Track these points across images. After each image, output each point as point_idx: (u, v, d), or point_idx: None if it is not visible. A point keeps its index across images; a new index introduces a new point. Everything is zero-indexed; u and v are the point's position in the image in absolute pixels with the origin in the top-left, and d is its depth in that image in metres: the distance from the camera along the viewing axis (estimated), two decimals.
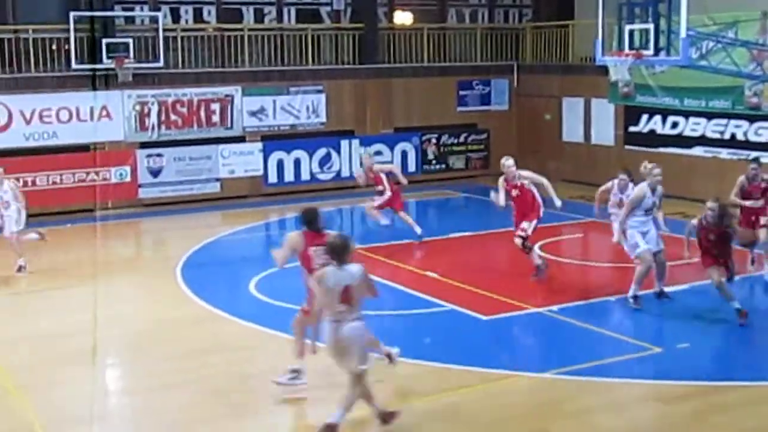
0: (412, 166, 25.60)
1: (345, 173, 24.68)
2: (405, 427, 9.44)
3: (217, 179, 23.41)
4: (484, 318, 12.97)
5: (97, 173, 22.02)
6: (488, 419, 9.55)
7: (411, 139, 25.64)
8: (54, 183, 21.69)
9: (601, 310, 13.37)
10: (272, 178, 23.99)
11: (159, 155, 22.79)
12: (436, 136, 25.97)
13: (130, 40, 21.99)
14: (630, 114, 23.55)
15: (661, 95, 22.06)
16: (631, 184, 14.72)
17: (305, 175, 24.32)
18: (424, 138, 25.80)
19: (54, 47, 22.28)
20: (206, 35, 24.37)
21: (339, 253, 8.78)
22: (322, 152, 24.51)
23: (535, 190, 14.51)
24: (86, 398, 10.49)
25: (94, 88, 22.07)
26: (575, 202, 21.67)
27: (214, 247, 18.29)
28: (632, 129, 23.60)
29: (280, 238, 19.80)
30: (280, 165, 24.10)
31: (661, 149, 22.74)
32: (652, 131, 23.10)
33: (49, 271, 16.42)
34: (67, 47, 21.79)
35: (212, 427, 9.50)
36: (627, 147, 23.70)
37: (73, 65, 21.60)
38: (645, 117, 23.18)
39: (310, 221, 9.96)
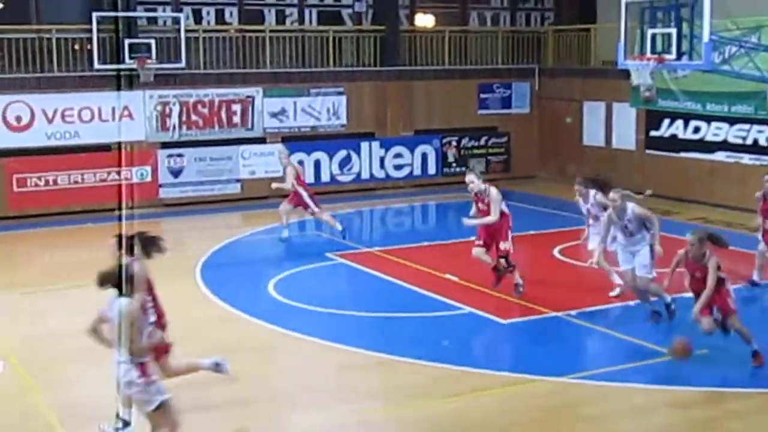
0: (432, 169, 25.60)
1: (365, 175, 24.71)
2: (420, 429, 9.45)
3: (238, 180, 23.48)
4: (503, 322, 12.95)
5: (118, 173, 22.12)
6: (506, 423, 9.54)
7: (431, 141, 25.63)
8: (75, 182, 21.81)
9: (620, 315, 13.33)
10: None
11: (180, 155, 22.88)
12: (456, 138, 25.94)
13: (153, 41, 22.08)
14: (651, 118, 23.47)
15: (683, 100, 21.97)
16: (592, 192, 13.89)
17: (325, 177, 24.34)
18: (444, 140, 25.78)
19: (76, 47, 22.43)
20: (228, 36, 24.45)
21: (112, 282, 8.44)
22: (342, 154, 24.54)
23: (503, 206, 13.73)
24: (106, 397, 10.52)
25: (117, 88, 22.17)
26: None
27: (233, 247, 18.34)
28: (653, 133, 23.52)
29: (299, 239, 19.94)
30: (301, 166, 24.04)
31: (683, 154, 22.67)
32: (674, 136, 23.01)
33: (70, 269, 16.50)
34: (89, 47, 21.90)
35: (231, 427, 9.52)
36: (648, 151, 23.63)
37: (96, 65, 21.70)
38: (667, 121, 23.09)
39: (152, 247, 9.67)
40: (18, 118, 21.30)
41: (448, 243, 18.13)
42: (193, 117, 23.01)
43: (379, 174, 25.02)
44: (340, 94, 24.48)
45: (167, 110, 22.74)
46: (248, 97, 23.53)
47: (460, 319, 13.14)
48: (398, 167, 25.22)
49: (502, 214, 13.63)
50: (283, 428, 9.66)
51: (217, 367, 10.05)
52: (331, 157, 24.38)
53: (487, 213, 13.63)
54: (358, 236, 19.97)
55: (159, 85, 22.52)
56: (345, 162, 24.60)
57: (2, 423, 9.70)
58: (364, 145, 24.78)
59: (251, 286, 15.19)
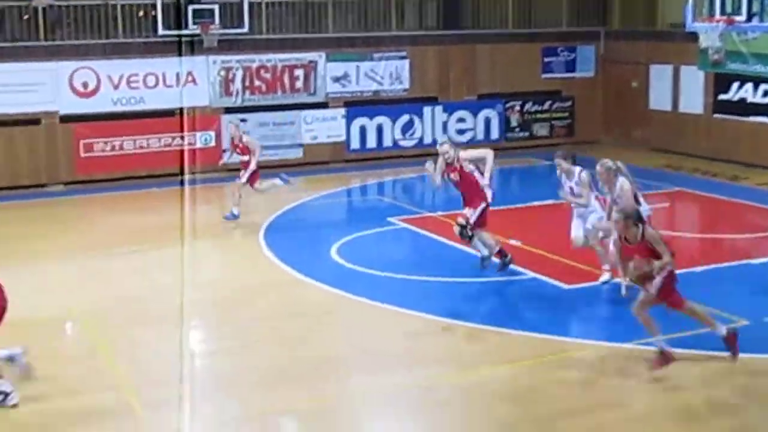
0: (495, 133, 25.43)
1: (427, 140, 24.59)
2: (485, 393, 9.44)
3: (300, 145, 23.55)
4: (566, 287, 12.85)
5: (182, 138, 22.33)
6: (569, 388, 9.49)
7: (494, 105, 25.44)
8: (141, 147, 22.05)
9: (687, 281, 13.00)
10: (355, 144, 24.03)
11: (243, 120, 22.95)
12: (519, 103, 25.71)
13: (216, 6, 22.14)
14: (720, 81, 22.98)
15: (753, 62, 21.48)
16: (577, 169, 12.60)
17: (388, 142, 24.31)
18: (507, 105, 25.57)
19: (141, 13, 22.57)
20: (291, 1, 24.41)
21: None
22: (404, 119, 24.46)
23: (477, 174, 13.12)
24: (172, 358, 10.69)
25: (180, 54, 22.32)
26: (661, 171, 21.40)
27: (296, 212, 18.43)
28: (722, 97, 23.05)
29: (361, 204, 19.98)
30: (363, 131, 24.12)
31: (752, 118, 22.20)
32: (743, 99, 22.53)
33: (136, 234, 16.74)
34: (153, 13, 22.05)
35: (295, 389, 9.60)
36: (716, 115, 23.19)
37: (160, 31, 21.86)
38: (735, 85, 22.60)
39: None
40: (85, 84, 21.59)
41: (512, 208, 18.01)
42: (256, 82, 23.10)
43: (442, 138, 24.84)
44: (402, 58, 24.37)
45: (230, 75, 22.85)
46: (311, 62, 23.54)
47: (523, 284, 13.08)
48: (461, 132, 25.07)
49: (478, 184, 13.08)
50: (347, 392, 9.71)
51: (11, 360, 9.56)
52: (393, 122, 24.33)
53: (463, 183, 13.16)
54: (420, 201, 19.95)
55: (222, 50, 22.62)
56: (407, 127, 24.53)
57: (72, 383, 9.89)
58: (427, 110, 24.68)
59: (314, 250, 15.26)
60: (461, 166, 13.12)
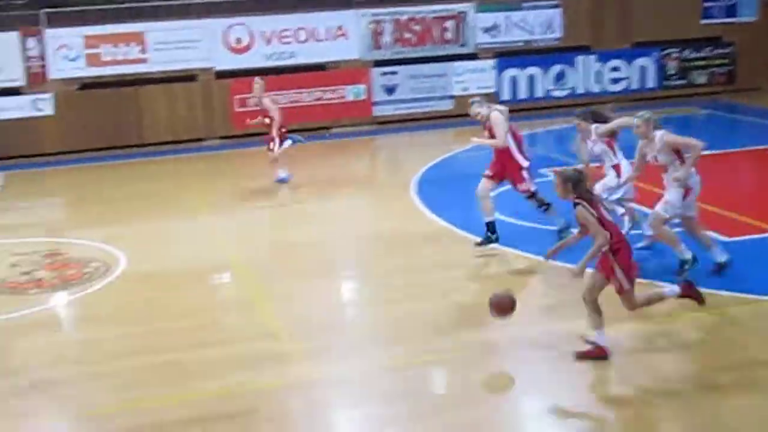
0: (651, 82, 24.72)
1: (580, 90, 24.13)
2: (639, 347, 9.23)
3: (451, 96, 23.43)
4: (728, 240, 12.41)
5: (333, 91, 22.52)
6: (724, 343, 9.19)
7: (650, 54, 24.69)
8: (293, 101, 22.35)
9: None
10: (506, 95, 23.74)
11: (393, 73, 23.02)
12: (677, 50, 24.87)
13: None
14: None
15: None
16: (593, 127, 12.02)
17: (539, 92, 23.94)
18: (664, 53, 24.78)
19: None
20: None
21: None
22: (556, 69, 24.04)
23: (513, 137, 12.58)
24: (326, 308, 10.86)
25: (330, 8, 22.48)
26: None
27: (447, 164, 18.38)
28: None
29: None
30: (514, 82, 23.83)
31: None
32: None
33: (290, 187, 17.02)
34: None
35: (451, 339, 9.61)
36: None
37: None
38: None
39: None
40: (238, 40, 22.03)
41: None
42: (406, 34, 23.05)
43: (595, 88, 24.37)
44: (554, 7, 23.88)
45: (380, 28, 22.87)
46: (460, 12, 23.33)
47: (681, 237, 12.67)
48: (615, 81, 24.48)
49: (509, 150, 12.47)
50: (496, 340, 9.65)
51: None
52: (545, 72, 23.94)
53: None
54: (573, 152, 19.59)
55: (372, 3, 22.65)
56: (559, 77, 24.10)
57: (230, 331, 10.16)
58: (579, 59, 24.17)
59: (466, 201, 15.13)
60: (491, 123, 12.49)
